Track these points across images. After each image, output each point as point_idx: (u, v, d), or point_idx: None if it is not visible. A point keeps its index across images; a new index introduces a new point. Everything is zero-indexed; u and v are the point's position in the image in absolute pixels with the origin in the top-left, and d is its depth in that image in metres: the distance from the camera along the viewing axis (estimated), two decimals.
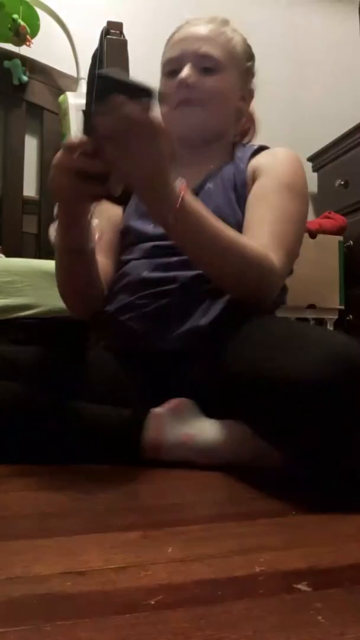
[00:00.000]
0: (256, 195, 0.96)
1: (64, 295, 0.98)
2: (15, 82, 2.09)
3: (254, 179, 0.99)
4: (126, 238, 1.04)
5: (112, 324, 0.97)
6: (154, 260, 0.96)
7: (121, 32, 1.66)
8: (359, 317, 1.98)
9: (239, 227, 0.91)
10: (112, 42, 1.60)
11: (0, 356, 0.88)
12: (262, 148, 1.06)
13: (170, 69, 1.02)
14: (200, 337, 0.89)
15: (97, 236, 0.92)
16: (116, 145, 0.69)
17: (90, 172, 0.72)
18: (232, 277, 0.86)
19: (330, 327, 1.99)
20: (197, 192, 0.95)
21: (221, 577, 0.44)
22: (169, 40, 1.07)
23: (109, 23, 1.94)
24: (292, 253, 0.94)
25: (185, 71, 0.99)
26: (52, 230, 0.89)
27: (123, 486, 0.70)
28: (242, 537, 0.53)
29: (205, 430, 0.79)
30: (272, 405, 0.69)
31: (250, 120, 1.12)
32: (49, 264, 1.52)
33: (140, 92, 0.69)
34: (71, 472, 0.76)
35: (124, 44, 1.35)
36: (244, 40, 1.07)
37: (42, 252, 2.12)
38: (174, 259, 0.93)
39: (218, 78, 1.00)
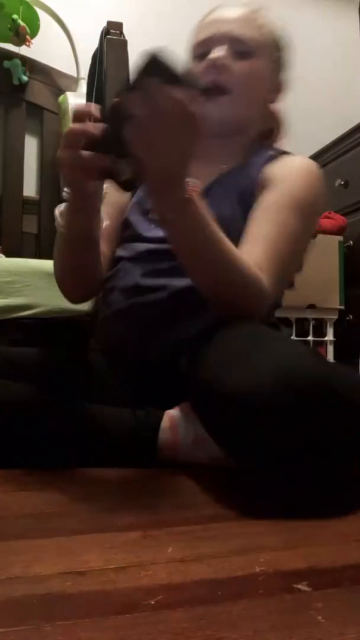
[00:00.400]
0: (262, 208, 0.90)
1: (61, 282, 0.95)
2: (15, 82, 2.09)
3: (263, 187, 0.93)
4: (125, 231, 1.02)
5: (104, 330, 0.97)
6: (146, 264, 0.94)
7: (121, 32, 1.66)
8: (359, 317, 1.98)
9: (239, 235, 0.88)
10: (112, 42, 1.61)
11: (0, 356, 0.88)
12: (280, 153, 0.99)
13: (201, 51, 0.97)
14: (187, 347, 0.87)
15: (103, 224, 0.89)
16: (141, 128, 0.65)
17: (101, 144, 0.68)
18: (218, 291, 0.82)
19: (330, 327, 1.99)
20: (204, 194, 0.94)
21: (221, 577, 0.44)
22: (199, 23, 1.02)
23: (109, 23, 1.94)
24: (286, 276, 0.90)
25: (216, 52, 0.94)
26: (58, 212, 0.86)
27: (123, 486, 0.70)
28: (242, 537, 0.53)
29: None
30: (217, 416, 0.69)
31: (275, 119, 1.05)
32: (49, 264, 1.52)
33: (186, 86, 0.65)
34: (71, 472, 0.76)
35: (124, 44, 1.34)
36: (277, 29, 1.02)
37: (42, 252, 2.13)
38: (166, 264, 0.91)
39: (249, 63, 0.95)
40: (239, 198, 0.95)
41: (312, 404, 0.61)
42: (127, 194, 1.02)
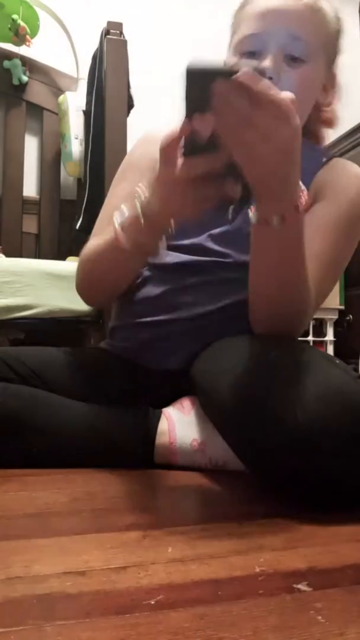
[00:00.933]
0: (317, 223, 0.82)
1: (89, 288, 0.91)
2: (15, 82, 2.10)
3: (317, 196, 0.86)
4: None
5: (120, 336, 0.96)
6: (172, 278, 0.89)
7: (121, 32, 1.66)
8: (359, 317, 1.98)
9: None
10: (112, 42, 1.61)
11: (0, 357, 0.88)
12: (330, 157, 0.93)
13: (250, 49, 0.82)
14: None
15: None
16: (235, 138, 0.57)
17: (205, 171, 0.60)
18: (279, 306, 0.76)
19: (330, 327, 1.99)
20: None
21: (221, 577, 0.44)
22: (247, 5, 0.86)
23: (109, 23, 1.94)
24: (325, 297, 0.86)
25: (270, 62, 0.80)
26: (120, 225, 0.73)
27: (123, 486, 0.70)
28: (242, 537, 0.53)
29: (216, 437, 0.76)
30: (256, 438, 0.63)
31: (324, 116, 0.97)
32: (49, 264, 1.53)
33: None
34: (71, 472, 0.76)
35: (124, 44, 1.33)
36: (337, 16, 0.90)
37: (42, 252, 2.13)
38: (193, 280, 0.88)
39: (305, 70, 0.82)
40: None
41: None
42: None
